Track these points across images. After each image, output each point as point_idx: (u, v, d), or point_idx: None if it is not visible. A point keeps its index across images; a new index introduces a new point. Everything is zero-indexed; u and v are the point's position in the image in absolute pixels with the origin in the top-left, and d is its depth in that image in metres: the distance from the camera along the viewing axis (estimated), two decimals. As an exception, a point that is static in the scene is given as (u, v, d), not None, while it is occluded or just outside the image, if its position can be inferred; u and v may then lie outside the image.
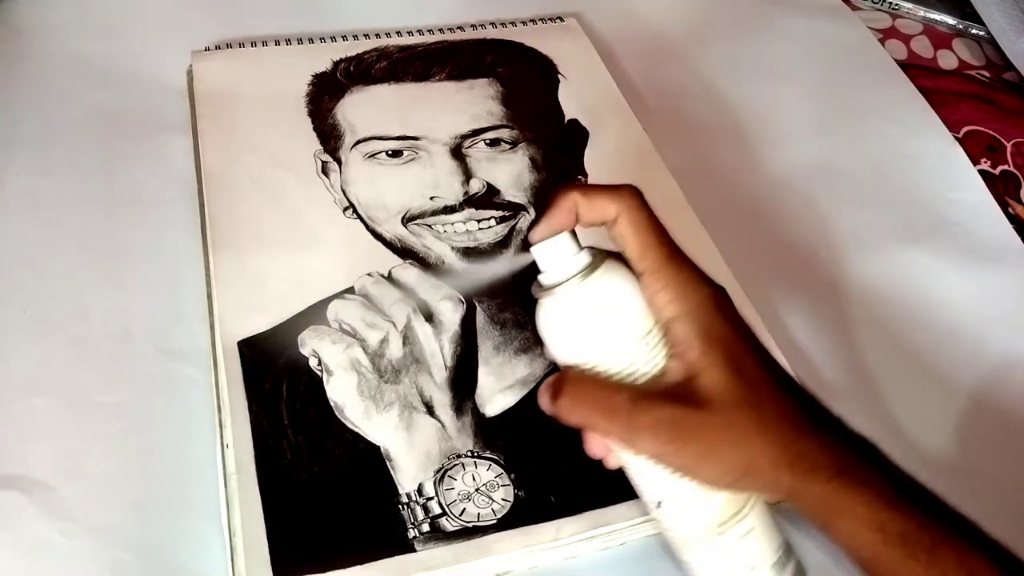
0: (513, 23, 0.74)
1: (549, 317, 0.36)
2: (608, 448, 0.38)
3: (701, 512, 0.36)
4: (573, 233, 0.36)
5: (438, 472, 0.47)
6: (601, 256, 0.37)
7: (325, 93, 0.65)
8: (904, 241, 0.64)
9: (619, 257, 0.37)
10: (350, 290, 0.54)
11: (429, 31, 0.71)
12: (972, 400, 0.56)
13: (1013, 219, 0.68)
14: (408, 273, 0.55)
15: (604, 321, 0.35)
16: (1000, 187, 0.71)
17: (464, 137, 0.62)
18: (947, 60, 0.81)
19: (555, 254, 0.36)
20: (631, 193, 0.36)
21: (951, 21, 0.83)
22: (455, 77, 0.66)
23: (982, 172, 0.70)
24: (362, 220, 0.59)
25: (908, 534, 0.33)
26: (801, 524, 0.39)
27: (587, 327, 0.35)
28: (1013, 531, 0.51)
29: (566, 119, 0.67)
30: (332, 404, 0.49)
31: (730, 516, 0.36)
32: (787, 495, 0.34)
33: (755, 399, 0.33)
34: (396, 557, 0.44)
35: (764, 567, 0.36)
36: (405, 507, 0.46)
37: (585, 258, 0.36)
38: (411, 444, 0.48)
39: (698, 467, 0.34)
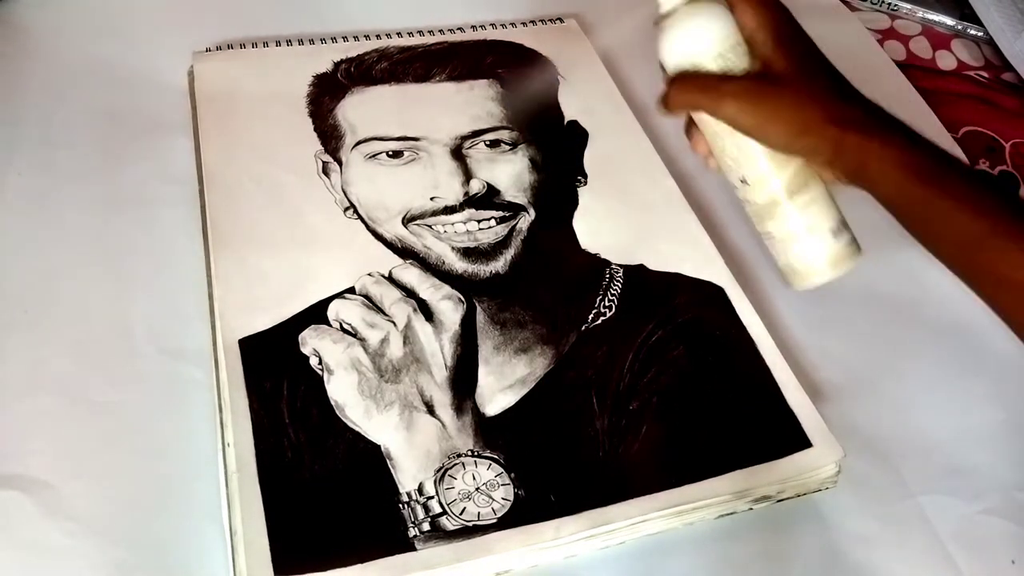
0: (513, 24, 0.74)
1: (666, 33, 0.47)
2: (707, 145, 0.48)
3: (774, 182, 0.46)
4: None
5: (438, 471, 0.48)
6: None
7: (326, 94, 0.65)
8: (903, 240, 0.64)
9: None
10: (351, 290, 0.54)
11: (429, 32, 0.71)
12: (972, 399, 0.56)
13: (1012, 219, 0.67)
14: (408, 273, 0.56)
15: (704, 32, 0.46)
16: (999, 187, 0.71)
17: (464, 138, 0.62)
18: (946, 61, 0.81)
19: None
20: None
21: (950, 22, 0.83)
22: (455, 78, 0.67)
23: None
24: (362, 220, 0.59)
25: (927, 171, 0.42)
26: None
27: (692, 37, 0.46)
28: (1014, 529, 0.51)
29: (566, 120, 0.67)
30: (333, 403, 0.50)
31: (797, 187, 0.46)
32: (834, 149, 0.43)
33: (812, 78, 0.44)
34: (396, 556, 0.45)
35: (823, 230, 0.47)
36: (405, 506, 0.46)
37: None
38: (411, 443, 0.48)
39: (768, 125, 0.44)
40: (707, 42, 0.46)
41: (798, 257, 0.47)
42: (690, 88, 0.46)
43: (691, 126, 0.49)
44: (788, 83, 0.44)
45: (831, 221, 0.47)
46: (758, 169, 0.46)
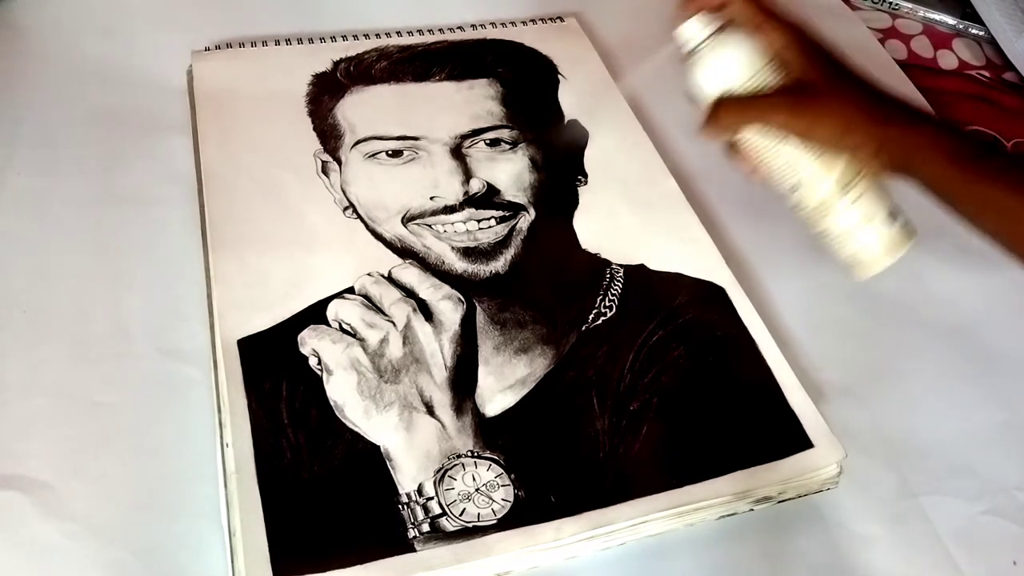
0: (513, 23, 0.74)
1: (699, 68, 0.50)
2: (755, 160, 0.51)
3: (824, 183, 0.49)
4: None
5: (438, 472, 0.47)
6: (726, 24, 0.50)
7: (325, 93, 0.65)
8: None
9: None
10: (350, 290, 0.54)
11: (429, 31, 0.71)
12: (974, 400, 0.56)
13: (1013, 219, 0.67)
14: (408, 273, 0.55)
15: (736, 61, 0.49)
16: (1000, 187, 0.70)
17: (464, 137, 0.62)
18: (947, 60, 0.81)
19: (697, 26, 0.50)
20: None
21: (951, 21, 0.83)
22: (455, 77, 0.66)
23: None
24: (362, 220, 0.59)
25: (965, 155, 0.45)
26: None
27: (726, 68, 0.50)
28: (1016, 529, 0.51)
29: (566, 119, 0.67)
30: (332, 403, 0.49)
31: (847, 182, 0.49)
32: (878, 143, 0.47)
33: (845, 82, 0.48)
34: (396, 557, 0.44)
35: (876, 219, 0.50)
36: (405, 507, 0.46)
37: (717, 24, 0.50)
38: (411, 444, 0.48)
39: (816, 127, 0.48)
40: (740, 66, 0.49)
41: (858, 249, 0.50)
42: (737, 107, 0.49)
43: (731, 147, 0.52)
44: (824, 88, 0.48)
45: (883, 210, 0.50)
46: (808, 172, 0.49)
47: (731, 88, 0.49)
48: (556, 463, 0.49)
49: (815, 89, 0.48)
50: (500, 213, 0.59)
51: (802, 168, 0.49)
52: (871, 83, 0.48)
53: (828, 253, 0.62)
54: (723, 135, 0.51)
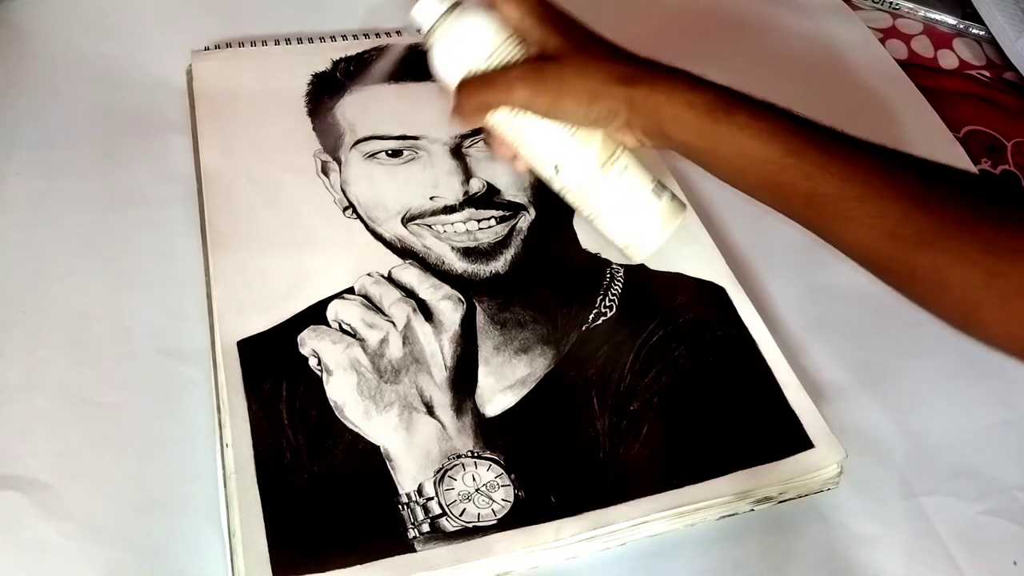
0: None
1: (436, 48, 0.48)
2: (511, 149, 0.49)
3: (585, 159, 0.47)
4: None
5: (438, 472, 0.47)
6: (459, 2, 0.48)
7: (325, 93, 0.65)
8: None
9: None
10: (350, 290, 0.54)
11: (429, 31, 0.71)
12: (975, 400, 0.56)
13: (1014, 219, 0.67)
14: (408, 273, 0.55)
15: (473, 38, 0.47)
16: (1001, 187, 0.70)
17: (464, 136, 0.62)
18: (947, 60, 0.81)
19: (428, 9, 0.48)
20: None
21: (951, 21, 0.83)
22: (455, 77, 0.66)
23: (983, 172, 0.70)
24: (362, 220, 0.59)
25: (716, 108, 0.43)
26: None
27: (463, 44, 0.47)
28: (1016, 529, 0.51)
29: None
30: (332, 404, 0.49)
31: (607, 158, 0.47)
32: (628, 106, 0.44)
33: (586, 47, 0.46)
34: (396, 557, 0.44)
35: (645, 192, 0.49)
36: (405, 507, 0.46)
37: (448, 4, 0.48)
38: (411, 444, 0.48)
39: (561, 99, 0.45)
40: (479, 43, 0.47)
41: (630, 226, 0.49)
42: (477, 88, 0.47)
43: (490, 135, 0.50)
44: (567, 56, 0.45)
45: (650, 183, 0.49)
46: (566, 150, 0.47)
47: (474, 68, 0.47)
48: (556, 463, 0.49)
49: (557, 58, 0.45)
50: (500, 213, 0.59)
51: (559, 146, 0.47)
52: (618, 48, 0.46)
53: (827, 254, 0.62)
54: (471, 121, 0.49)
